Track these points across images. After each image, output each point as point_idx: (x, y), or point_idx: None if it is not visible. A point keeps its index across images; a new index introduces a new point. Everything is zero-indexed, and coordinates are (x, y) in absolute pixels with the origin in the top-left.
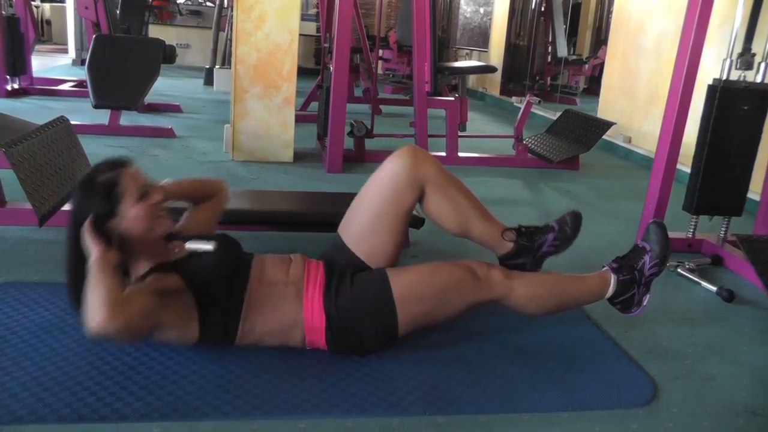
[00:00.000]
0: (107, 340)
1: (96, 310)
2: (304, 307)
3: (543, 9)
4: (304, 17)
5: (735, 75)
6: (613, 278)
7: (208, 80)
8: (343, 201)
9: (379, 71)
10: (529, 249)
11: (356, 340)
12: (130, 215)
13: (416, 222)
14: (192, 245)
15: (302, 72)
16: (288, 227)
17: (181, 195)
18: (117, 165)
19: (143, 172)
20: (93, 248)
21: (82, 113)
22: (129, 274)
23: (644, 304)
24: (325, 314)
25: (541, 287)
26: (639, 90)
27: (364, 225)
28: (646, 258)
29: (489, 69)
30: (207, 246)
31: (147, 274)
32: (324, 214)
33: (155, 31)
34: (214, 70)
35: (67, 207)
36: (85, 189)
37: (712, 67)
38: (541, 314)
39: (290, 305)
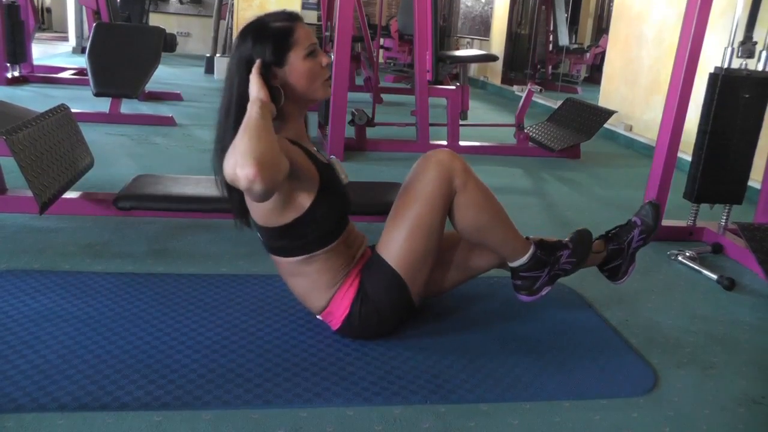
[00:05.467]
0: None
1: (249, 161)
2: (344, 281)
3: None
4: (305, 5)
5: (736, 63)
6: (531, 250)
7: (209, 69)
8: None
9: (381, 60)
10: (621, 251)
11: (378, 320)
12: (300, 68)
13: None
14: (336, 161)
15: None
16: None
17: None
18: (292, 17)
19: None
20: (259, 93)
21: (83, 101)
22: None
23: (542, 293)
24: (354, 296)
25: (489, 201)
26: (640, 78)
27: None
28: (565, 253)
29: (490, 58)
30: (343, 174)
31: (293, 143)
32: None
33: (156, 20)
34: (215, 58)
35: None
36: (258, 32)
37: (713, 55)
38: (468, 227)
39: (339, 273)
